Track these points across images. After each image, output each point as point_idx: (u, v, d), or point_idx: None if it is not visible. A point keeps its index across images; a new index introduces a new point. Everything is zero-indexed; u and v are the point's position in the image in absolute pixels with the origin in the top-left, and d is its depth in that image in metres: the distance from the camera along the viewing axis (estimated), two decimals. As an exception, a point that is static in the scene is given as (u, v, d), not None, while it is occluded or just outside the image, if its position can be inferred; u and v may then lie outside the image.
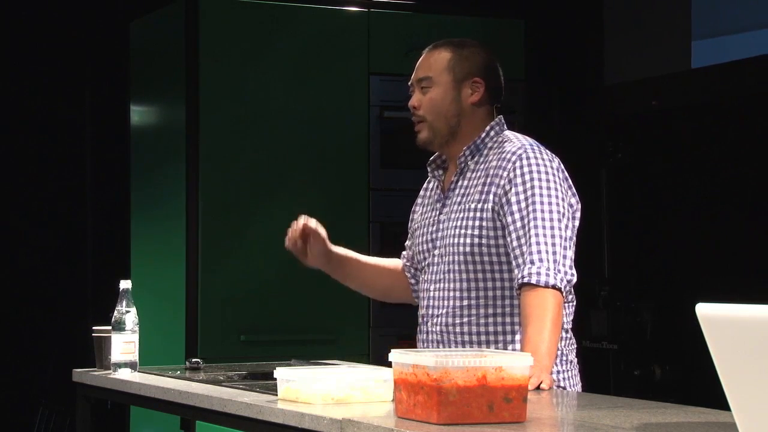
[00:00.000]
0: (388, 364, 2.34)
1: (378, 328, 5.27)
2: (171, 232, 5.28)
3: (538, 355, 2.67)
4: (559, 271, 2.89)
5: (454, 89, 3.15)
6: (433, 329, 3.12)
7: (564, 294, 2.91)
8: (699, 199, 5.75)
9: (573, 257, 3.00)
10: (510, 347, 3.02)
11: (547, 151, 3.08)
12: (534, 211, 2.96)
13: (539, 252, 2.91)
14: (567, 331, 3.05)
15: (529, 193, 2.98)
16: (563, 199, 3.01)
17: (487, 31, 5.56)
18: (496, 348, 3.02)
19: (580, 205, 3.08)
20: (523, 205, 2.97)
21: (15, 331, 6.36)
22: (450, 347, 3.08)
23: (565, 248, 2.94)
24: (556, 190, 3.00)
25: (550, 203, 2.97)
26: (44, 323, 6.39)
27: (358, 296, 5.44)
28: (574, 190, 3.08)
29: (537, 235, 2.93)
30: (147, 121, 5.74)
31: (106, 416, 3.90)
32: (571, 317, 3.09)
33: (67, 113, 6.56)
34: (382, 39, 5.47)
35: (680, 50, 5.73)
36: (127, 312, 3.22)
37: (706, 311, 1.68)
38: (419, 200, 3.33)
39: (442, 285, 3.12)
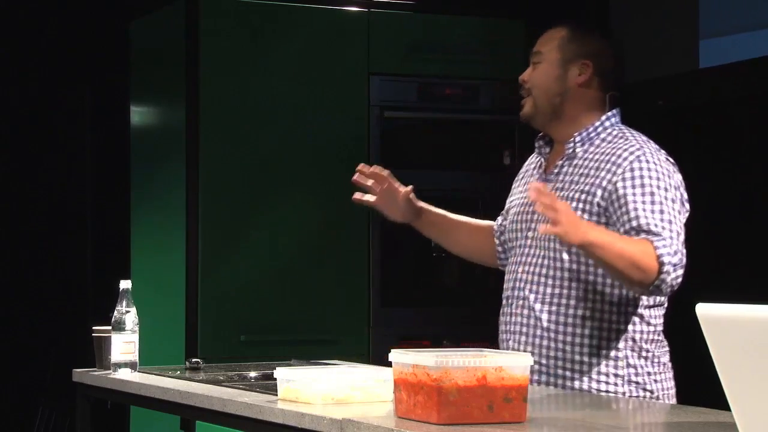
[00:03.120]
0: (388, 364, 2.34)
1: (378, 328, 5.27)
2: (171, 231, 5.28)
3: (597, 229, 2.72)
4: (680, 253, 2.82)
5: (561, 67, 3.10)
6: (517, 311, 3.04)
7: (663, 273, 2.82)
8: (700, 199, 5.74)
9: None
10: (578, 348, 2.95)
11: (666, 155, 3.00)
12: (652, 201, 2.88)
13: (664, 229, 2.83)
14: (659, 334, 3.01)
15: (646, 189, 2.89)
16: (674, 199, 2.93)
17: (487, 31, 5.55)
18: (573, 342, 2.95)
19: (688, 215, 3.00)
20: (639, 196, 2.88)
21: (15, 331, 6.36)
22: (531, 333, 3.00)
23: (679, 232, 2.88)
24: (666, 190, 2.91)
25: (666, 197, 2.89)
26: (44, 323, 6.39)
27: (358, 296, 5.48)
28: (687, 198, 3.00)
29: (654, 210, 2.85)
30: (147, 121, 5.74)
31: (106, 416, 3.89)
32: (661, 320, 3.05)
33: (67, 113, 6.56)
34: (382, 39, 5.46)
35: (687, 49, 5.72)
36: (127, 312, 3.23)
37: (706, 311, 1.68)
38: (519, 176, 3.25)
39: (533, 269, 3.03)
